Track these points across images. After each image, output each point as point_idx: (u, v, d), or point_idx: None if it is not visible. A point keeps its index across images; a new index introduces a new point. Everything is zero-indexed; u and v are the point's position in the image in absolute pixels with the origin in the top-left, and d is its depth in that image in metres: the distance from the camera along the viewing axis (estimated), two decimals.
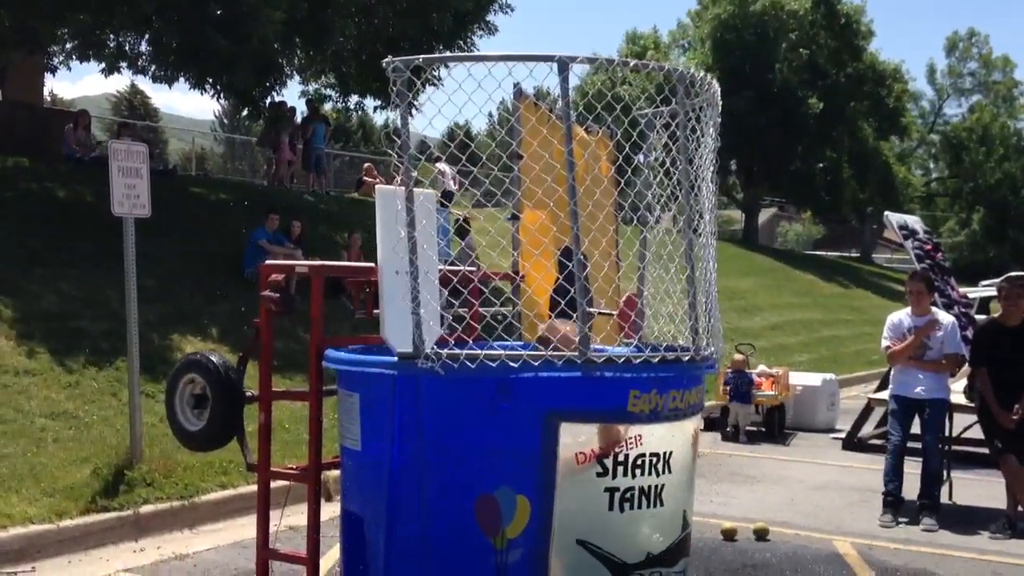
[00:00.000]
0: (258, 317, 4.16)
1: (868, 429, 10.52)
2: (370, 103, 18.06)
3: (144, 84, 56.83)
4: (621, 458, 3.20)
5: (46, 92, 19.97)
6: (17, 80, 15.44)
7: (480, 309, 4.46)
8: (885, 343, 7.30)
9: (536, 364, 3.10)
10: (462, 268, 4.34)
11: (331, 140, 22.36)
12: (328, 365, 3.72)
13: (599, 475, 3.18)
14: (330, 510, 4.46)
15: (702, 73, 3.51)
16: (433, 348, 3.18)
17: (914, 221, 11.60)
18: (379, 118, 41.90)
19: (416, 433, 3.25)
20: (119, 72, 15.06)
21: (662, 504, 3.31)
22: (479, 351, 3.18)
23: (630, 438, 3.21)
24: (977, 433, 7.69)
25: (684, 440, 3.44)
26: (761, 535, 6.47)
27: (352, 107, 18.72)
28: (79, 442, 7.21)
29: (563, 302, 3.62)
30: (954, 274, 11.17)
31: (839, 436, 10.79)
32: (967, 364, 7.61)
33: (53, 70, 17.03)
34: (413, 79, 3.20)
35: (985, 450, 7.62)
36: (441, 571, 3.25)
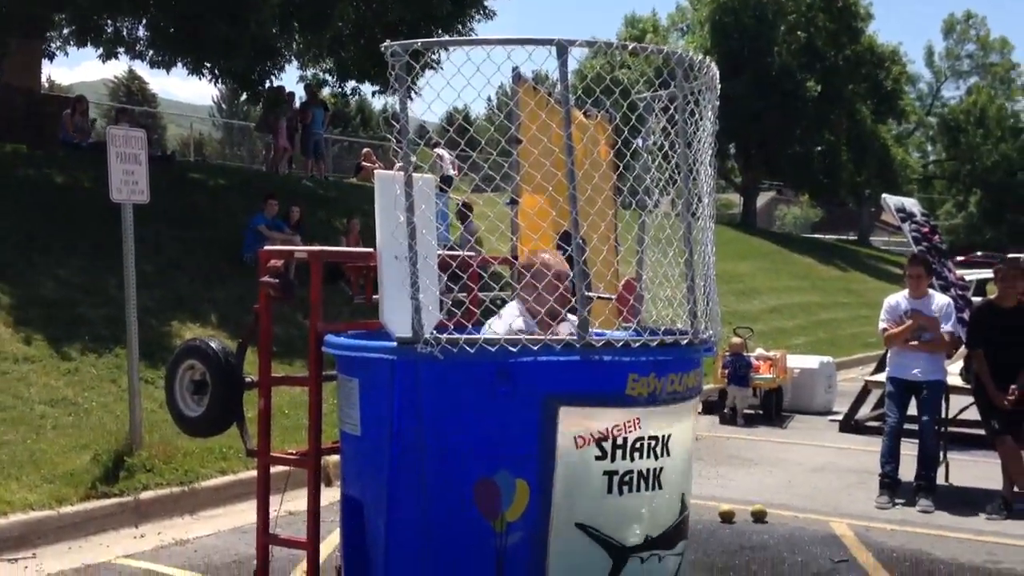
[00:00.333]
0: (257, 303, 4.16)
1: (865, 411, 10.56)
2: (368, 88, 18.03)
3: (142, 69, 56.69)
4: (620, 441, 3.21)
5: (44, 78, 19.90)
6: (14, 66, 15.35)
7: (479, 294, 4.46)
8: (882, 325, 7.32)
9: (535, 348, 3.10)
10: (461, 253, 4.34)
11: (330, 125, 22.29)
12: (327, 350, 3.73)
13: (598, 458, 3.19)
14: (330, 495, 4.48)
15: (700, 56, 3.50)
16: (432, 333, 3.18)
17: (911, 204, 11.61)
18: (378, 103, 41.84)
19: (415, 418, 3.26)
20: (117, 58, 15.04)
21: (661, 487, 3.32)
22: (478, 336, 3.18)
23: (628, 421, 3.22)
24: (973, 414, 7.73)
25: (682, 423, 3.45)
26: (759, 517, 6.51)
27: (350, 92, 18.66)
28: (79, 429, 7.22)
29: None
30: (951, 256, 11.19)
31: (836, 418, 10.83)
32: (964, 346, 7.64)
33: (51, 56, 16.97)
34: (411, 63, 3.19)
35: (981, 431, 7.66)
36: (441, 555, 3.27)
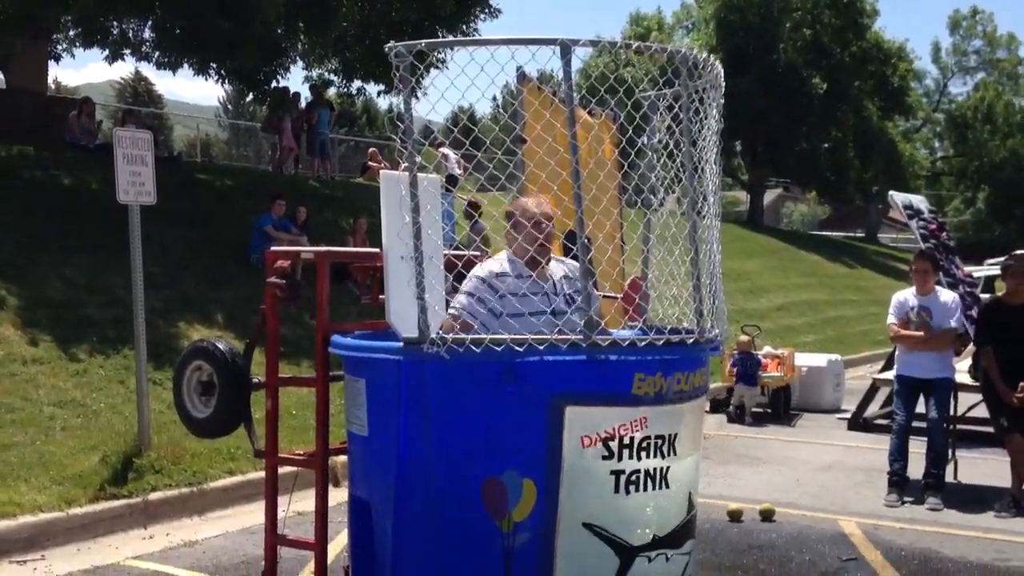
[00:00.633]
0: (264, 303, 4.17)
1: (873, 409, 10.53)
2: (374, 88, 18.06)
3: (148, 71, 56.73)
4: (626, 441, 3.21)
5: (50, 79, 19.96)
6: (21, 68, 15.42)
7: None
8: (890, 321, 7.30)
9: (541, 348, 3.10)
10: (467, 253, 4.34)
11: (335, 125, 22.34)
12: (334, 351, 3.74)
13: (605, 458, 3.19)
14: (338, 496, 4.48)
15: (704, 54, 3.50)
16: (438, 333, 3.19)
17: (919, 200, 11.55)
18: (383, 103, 41.87)
19: (422, 418, 3.27)
20: (123, 59, 15.09)
21: (668, 486, 3.32)
22: (484, 335, 3.18)
23: (635, 420, 3.22)
24: (982, 412, 7.70)
25: (689, 422, 3.45)
26: (767, 516, 6.49)
27: (356, 92, 18.69)
28: (87, 430, 7.25)
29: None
30: (960, 253, 11.13)
31: (844, 416, 10.80)
32: (972, 343, 7.61)
33: (57, 57, 17.02)
34: (416, 64, 3.20)
35: (990, 429, 7.63)
36: (449, 555, 3.27)
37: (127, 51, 14.92)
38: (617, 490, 3.21)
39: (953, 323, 7.06)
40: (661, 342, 3.24)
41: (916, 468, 7.15)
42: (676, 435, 3.34)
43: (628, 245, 4.68)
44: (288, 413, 7.45)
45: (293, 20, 14.23)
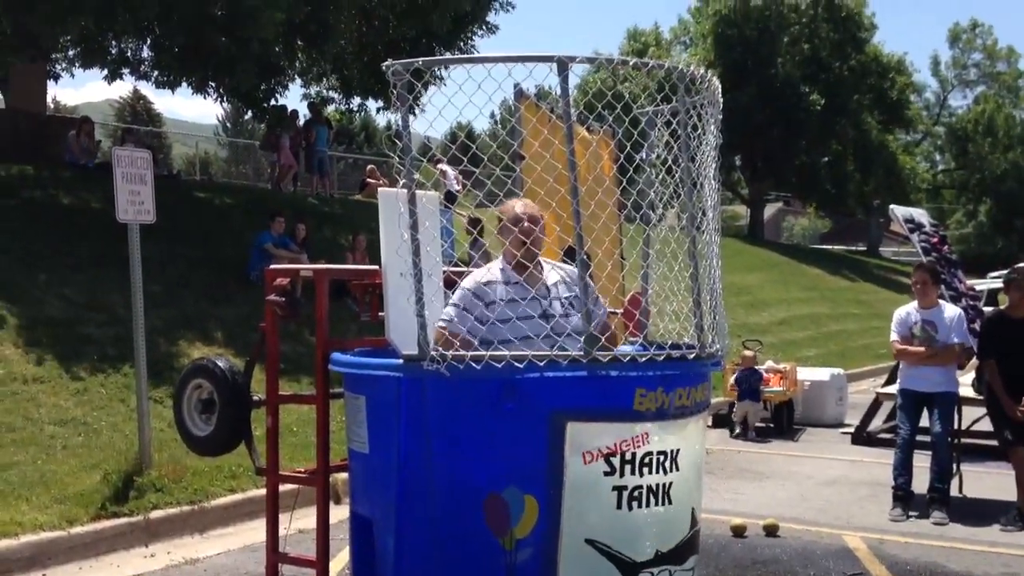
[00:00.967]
0: (264, 321, 4.17)
1: (877, 423, 10.50)
2: (372, 105, 18.13)
3: (147, 89, 56.88)
4: (628, 456, 3.20)
5: (49, 99, 20.06)
6: (20, 87, 15.50)
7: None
8: (893, 337, 7.28)
9: (541, 364, 3.10)
10: (466, 269, 4.34)
11: (334, 143, 22.40)
12: (334, 368, 3.73)
13: (607, 474, 3.17)
14: (339, 513, 4.46)
15: (702, 70, 3.51)
16: (438, 350, 3.18)
17: (920, 214, 11.58)
18: (382, 120, 41.94)
19: (423, 435, 3.26)
20: (122, 78, 15.14)
21: (670, 502, 3.31)
22: (484, 352, 3.18)
23: (637, 436, 3.21)
24: (986, 425, 7.67)
25: (691, 437, 3.44)
26: (771, 531, 6.46)
27: (357, 108, 18.77)
28: (88, 448, 7.24)
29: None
30: (962, 266, 11.13)
31: (848, 431, 10.76)
32: (975, 356, 7.59)
33: (56, 77, 17.11)
34: (413, 82, 3.21)
35: (995, 442, 7.60)
36: (450, 572, 3.26)
37: (126, 70, 14.98)
38: (620, 506, 3.20)
39: (957, 338, 7.05)
40: (662, 357, 3.23)
41: (921, 482, 7.12)
42: (678, 450, 3.33)
43: (628, 261, 4.68)
44: (289, 430, 7.44)
45: (291, 38, 14.30)
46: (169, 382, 8.02)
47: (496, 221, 3.73)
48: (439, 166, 13.92)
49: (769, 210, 47.00)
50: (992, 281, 13.95)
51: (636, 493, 3.23)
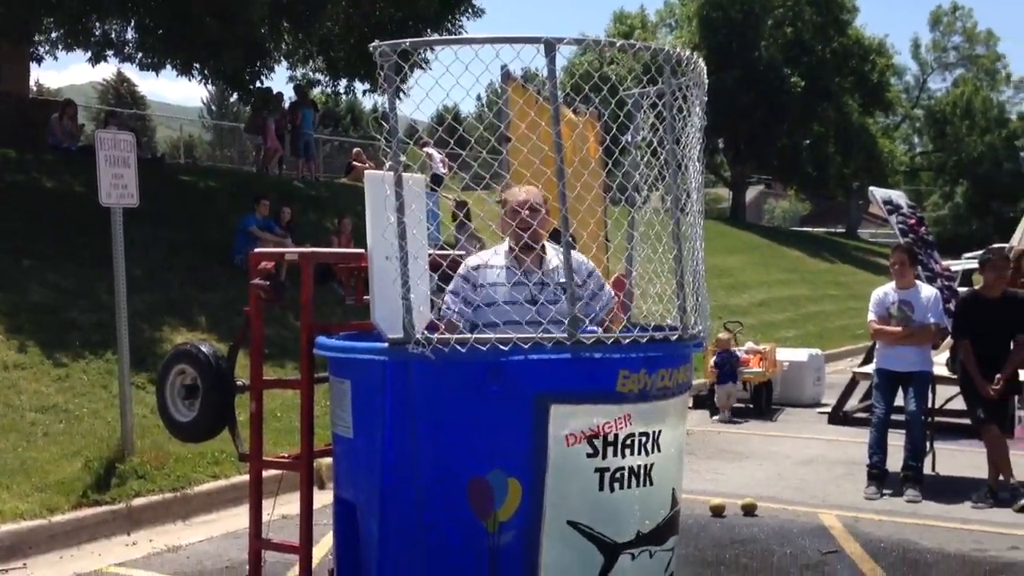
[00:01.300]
0: (248, 305, 4.16)
1: (853, 403, 10.62)
2: (359, 87, 18.02)
3: (131, 72, 56.15)
4: (611, 438, 3.22)
5: (32, 82, 19.78)
6: (2, 70, 15.27)
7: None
8: (871, 318, 7.36)
9: (526, 347, 3.11)
10: (452, 252, 4.35)
11: (320, 125, 22.25)
12: (319, 352, 3.73)
13: (589, 456, 3.20)
14: (323, 498, 4.48)
15: (687, 52, 3.52)
16: (423, 333, 3.19)
17: (898, 196, 11.66)
18: (368, 102, 41.75)
19: (408, 418, 3.27)
20: (105, 60, 14.99)
21: (652, 483, 3.34)
22: (469, 335, 3.19)
23: (619, 418, 3.24)
24: (960, 404, 7.78)
25: (673, 419, 3.47)
26: (749, 510, 6.54)
27: (342, 91, 18.64)
28: (70, 435, 7.19)
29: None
30: (938, 247, 11.24)
31: (825, 411, 10.88)
32: (949, 336, 7.69)
33: (39, 60, 16.87)
34: (400, 63, 3.20)
35: (967, 421, 7.71)
36: (435, 556, 3.27)
37: (110, 52, 14.81)
38: (602, 487, 3.23)
39: (933, 318, 7.13)
40: (645, 339, 3.26)
41: (895, 461, 7.22)
42: (660, 432, 3.36)
43: (612, 243, 4.70)
44: (273, 416, 7.43)
45: (277, 19, 14.16)
46: (152, 368, 7.98)
47: (500, 206, 3.75)
48: (425, 149, 13.88)
49: (751, 193, 47.18)
50: (967, 262, 14.09)
51: (618, 475, 3.25)
